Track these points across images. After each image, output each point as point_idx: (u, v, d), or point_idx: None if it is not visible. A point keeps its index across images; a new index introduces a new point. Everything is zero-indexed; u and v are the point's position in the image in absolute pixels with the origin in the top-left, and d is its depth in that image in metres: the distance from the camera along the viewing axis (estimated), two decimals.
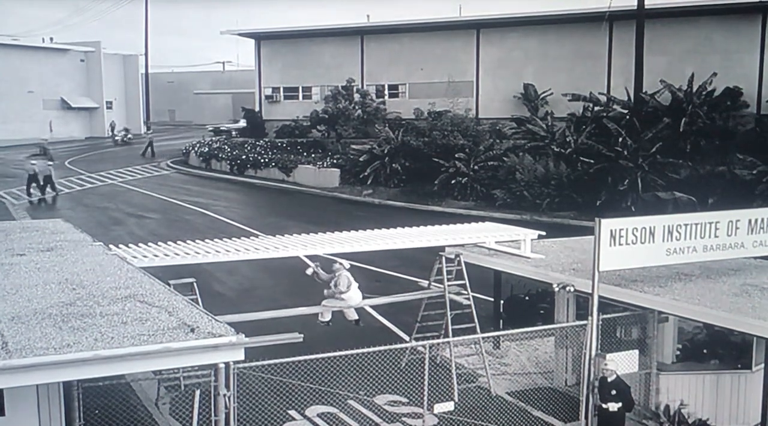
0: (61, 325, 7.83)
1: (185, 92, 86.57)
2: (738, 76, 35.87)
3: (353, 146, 40.03)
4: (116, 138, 63.82)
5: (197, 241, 13.09)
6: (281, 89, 52.95)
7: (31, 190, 35.97)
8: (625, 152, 30.40)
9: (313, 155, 42.71)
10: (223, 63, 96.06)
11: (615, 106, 35.13)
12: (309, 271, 12.95)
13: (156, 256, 11.94)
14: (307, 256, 14.74)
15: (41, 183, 35.84)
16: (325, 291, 12.94)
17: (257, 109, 53.84)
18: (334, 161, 40.22)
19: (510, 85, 43.37)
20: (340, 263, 12.78)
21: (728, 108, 34.24)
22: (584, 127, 33.85)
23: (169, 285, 10.64)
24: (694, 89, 33.87)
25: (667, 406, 11.53)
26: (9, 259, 11.20)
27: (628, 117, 33.11)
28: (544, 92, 41.66)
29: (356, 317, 13.18)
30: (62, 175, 41.95)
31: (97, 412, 11.36)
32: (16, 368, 6.76)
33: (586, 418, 11.09)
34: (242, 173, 44.14)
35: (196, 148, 49.70)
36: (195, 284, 11.84)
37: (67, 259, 11.19)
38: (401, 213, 32.18)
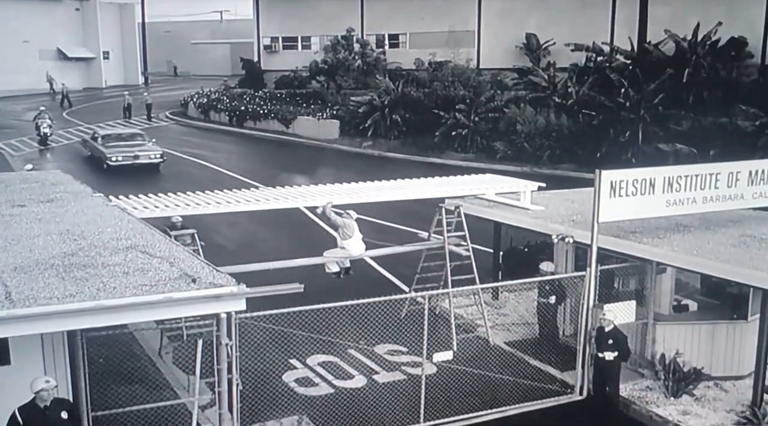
0: (63, 275, 7.88)
1: (182, 42, 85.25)
2: (743, 26, 35.29)
3: (353, 97, 39.69)
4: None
5: (197, 192, 13.08)
6: (280, 39, 52.29)
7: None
8: (628, 103, 30.16)
9: (312, 106, 42.38)
10: (221, 12, 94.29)
11: (618, 57, 34.69)
12: (318, 210, 12.90)
13: (156, 207, 11.95)
14: (307, 208, 14.74)
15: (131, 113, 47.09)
16: (338, 239, 12.90)
17: (256, 59, 53.24)
18: (334, 113, 39.93)
19: (512, 35, 42.78)
20: (349, 213, 12.84)
21: (732, 58, 33.79)
22: (586, 77, 33.49)
23: (170, 235, 10.69)
24: (699, 39, 33.41)
25: (663, 355, 11.68)
26: (9, 210, 11.21)
27: (631, 67, 32.73)
28: (546, 42, 41.12)
29: (348, 265, 13.13)
30: (60, 127, 41.70)
31: (101, 361, 11.53)
32: (20, 318, 6.83)
33: (583, 367, 11.26)
34: (241, 125, 43.89)
35: (194, 100, 49.34)
36: (196, 235, 11.90)
37: (67, 211, 11.19)
38: (401, 165, 32.10)
